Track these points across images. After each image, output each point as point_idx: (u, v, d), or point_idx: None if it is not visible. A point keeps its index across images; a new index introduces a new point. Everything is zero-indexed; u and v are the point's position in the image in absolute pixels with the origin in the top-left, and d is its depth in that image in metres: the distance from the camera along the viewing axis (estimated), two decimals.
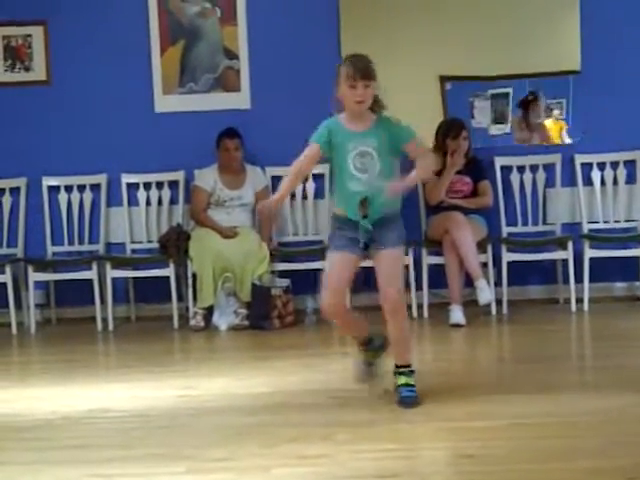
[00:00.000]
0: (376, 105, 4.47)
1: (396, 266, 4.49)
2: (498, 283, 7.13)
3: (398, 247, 4.50)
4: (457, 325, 6.65)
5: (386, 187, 4.36)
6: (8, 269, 7.14)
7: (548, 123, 7.77)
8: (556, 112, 7.72)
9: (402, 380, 4.53)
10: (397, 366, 4.58)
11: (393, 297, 4.43)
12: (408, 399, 4.47)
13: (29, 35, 7.57)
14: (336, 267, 4.48)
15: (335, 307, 4.50)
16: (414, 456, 3.78)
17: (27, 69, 7.59)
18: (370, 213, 4.41)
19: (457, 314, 6.70)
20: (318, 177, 7.48)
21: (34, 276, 7.23)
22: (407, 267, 6.90)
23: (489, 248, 7.07)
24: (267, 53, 7.58)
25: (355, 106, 4.41)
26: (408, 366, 4.56)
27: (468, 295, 6.95)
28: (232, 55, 7.59)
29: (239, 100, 7.55)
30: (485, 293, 6.71)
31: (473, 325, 6.67)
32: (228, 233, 7.12)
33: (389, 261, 4.47)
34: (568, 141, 7.63)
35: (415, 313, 7.05)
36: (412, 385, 4.53)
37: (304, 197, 7.56)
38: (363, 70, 4.38)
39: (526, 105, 7.74)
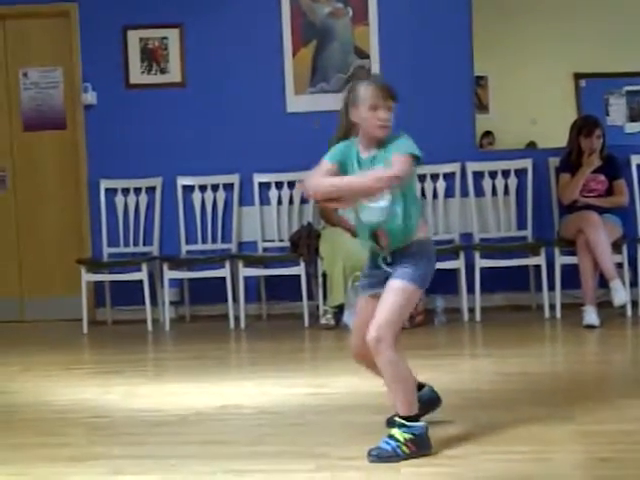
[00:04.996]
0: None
1: (389, 300, 3.81)
2: (634, 284, 6.97)
3: (407, 281, 3.81)
4: (591, 326, 6.53)
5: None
6: (144, 267, 7.32)
7: None
8: None
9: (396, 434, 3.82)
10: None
11: (369, 336, 3.82)
12: (383, 452, 3.78)
13: (165, 38, 7.74)
14: (361, 313, 4.01)
15: (357, 349, 4.04)
16: (546, 459, 3.73)
17: (163, 71, 7.77)
18: (388, 243, 3.86)
19: (591, 315, 6.58)
20: (449, 175, 7.44)
21: (169, 274, 7.39)
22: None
23: (624, 248, 6.92)
24: (398, 52, 7.56)
25: (378, 131, 3.85)
26: (406, 418, 3.83)
27: (602, 296, 6.82)
28: (363, 55, 7.61)
29: None
30: (620, 294, 6.58)
31: (607, 327, 6.54)
32: None
33: (386, 293, 3.84)
34: None
35: (547, 314, 6.95)
36: (397, 440, 3.79)
37: (434, 196, 7.52)
38: (388, 90, 3.85)
39: None
